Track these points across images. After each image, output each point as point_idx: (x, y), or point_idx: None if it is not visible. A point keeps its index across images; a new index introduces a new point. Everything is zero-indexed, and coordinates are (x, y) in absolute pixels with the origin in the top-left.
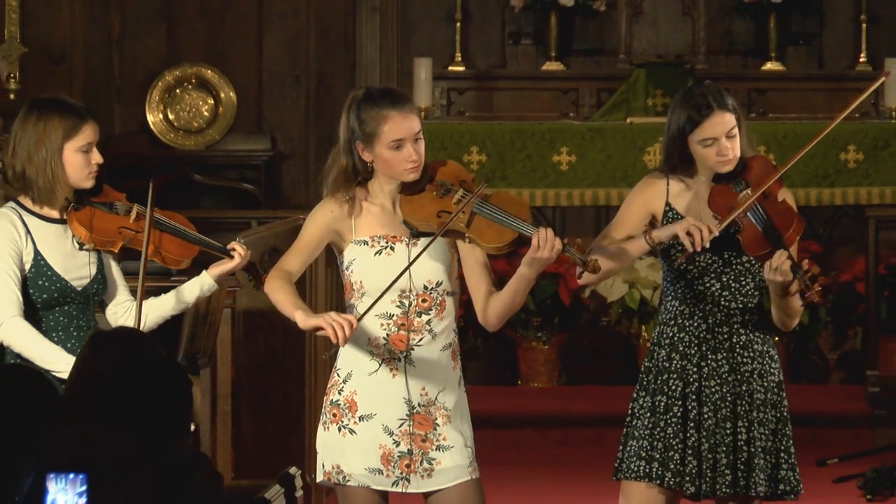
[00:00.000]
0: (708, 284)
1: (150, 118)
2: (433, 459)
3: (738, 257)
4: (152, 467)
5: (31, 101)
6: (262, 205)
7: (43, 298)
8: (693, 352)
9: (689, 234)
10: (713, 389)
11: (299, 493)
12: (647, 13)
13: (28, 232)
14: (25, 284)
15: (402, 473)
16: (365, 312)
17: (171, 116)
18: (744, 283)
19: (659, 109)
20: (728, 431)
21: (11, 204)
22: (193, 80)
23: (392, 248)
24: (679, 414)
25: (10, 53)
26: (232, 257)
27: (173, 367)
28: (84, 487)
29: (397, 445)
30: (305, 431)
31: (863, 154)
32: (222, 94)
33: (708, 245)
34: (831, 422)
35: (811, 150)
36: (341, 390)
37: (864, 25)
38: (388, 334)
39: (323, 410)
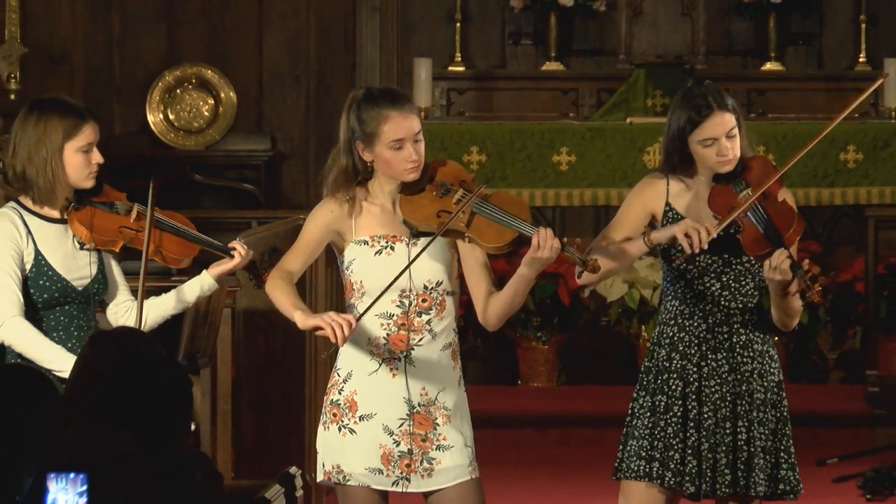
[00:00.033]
0: (708, 284)
1: (150, 118)
2: (433, 459)
3: (738, 257)
4: (152, 467)
5: (32, 101)
6: (263, 205)
7: (44, 298)
8: (693, 351)
9: (687, 235)
10: (713, 389)
11: (299, 493)
12: (646, 13)
13: (29, 232)
14: (26, 284)
15: (402, 473)
16: (364, 312)
17: (171, 116)
18: (744, 283)
19: (659, 110)
20: (728, 431)
21: (12, 204)
22: (193, 80)
23: (392, 248)
24: (679, 414)
25: (10, 54)
26: (232, 257)
27: (173, 366)
28: (84, 487)
29: (397, 445)
30: (305, 431)
31: (862, 154)
32: (222, 95)
33: (706, 247)
34: (831, 421)
35: (811, 151)
36: (341, 390)
37: (863, 26)
38: (388, 334)
39: (323, 410)
